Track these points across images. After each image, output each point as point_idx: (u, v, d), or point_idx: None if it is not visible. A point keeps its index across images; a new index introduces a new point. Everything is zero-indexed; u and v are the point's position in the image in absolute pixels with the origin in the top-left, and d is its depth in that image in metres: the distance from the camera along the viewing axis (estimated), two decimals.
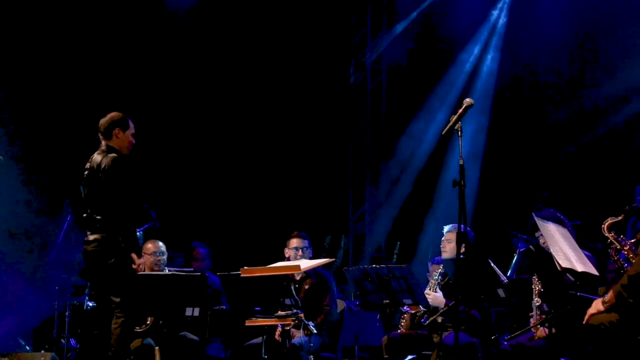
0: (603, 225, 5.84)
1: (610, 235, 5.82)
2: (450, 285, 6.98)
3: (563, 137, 9.86)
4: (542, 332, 6.47)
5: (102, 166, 6.46)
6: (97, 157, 6.57)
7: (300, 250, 7.49)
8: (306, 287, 7.38)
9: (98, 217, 6.44)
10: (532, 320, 6.56)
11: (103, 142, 6.64)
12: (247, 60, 10.80)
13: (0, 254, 8.90)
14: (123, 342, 6.37)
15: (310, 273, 7.41)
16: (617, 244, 5.82)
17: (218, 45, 10.76)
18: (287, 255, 7.52)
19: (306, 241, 7.56)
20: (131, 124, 6.71)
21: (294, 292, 6.58)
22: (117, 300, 6.39)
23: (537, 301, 6.56)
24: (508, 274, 7.56)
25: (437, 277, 7.04)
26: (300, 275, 7.38)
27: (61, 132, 9.90)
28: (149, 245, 7.64)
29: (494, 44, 10.89)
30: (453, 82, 10.99)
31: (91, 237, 6.46)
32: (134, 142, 6.71)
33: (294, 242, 7.54)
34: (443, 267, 7.06)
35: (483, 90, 10.76)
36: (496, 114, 10.53)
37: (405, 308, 7.12)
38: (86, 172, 6.58)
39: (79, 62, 10.18)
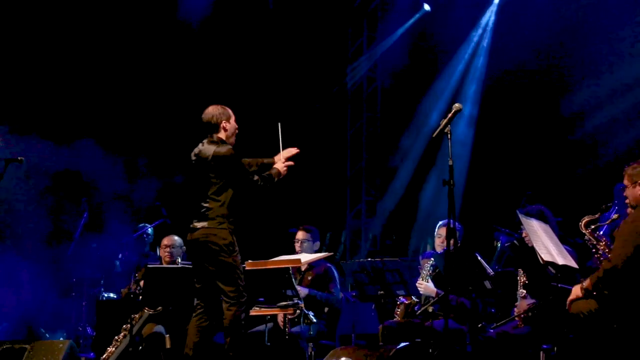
0: (580, 223, 6.08)
1: (587, 232, 6.06)
2: (441, 276, 7.15)
3: (547, 137, 9.97)
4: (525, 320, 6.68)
5: (216, 155, 6.26)
6: (207, 146, 6.32)
7: (299, 242, 7.62)
8: (309, 278, 7.54)
9: (206, 205, 6.27)
10: (516, 310, 6.78)
11: (214, 135, 6.38)
12: (253, 69, 10.94)
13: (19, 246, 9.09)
14: (238, 330, 6.21)
15: (313, 265, 7.58)
16: (593, 240, 6.05)
17: (228, 53, 10.85)
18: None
19: (309, 234, 7.64)
20: (230, 111, 6.46)
21: (294, 284, 6.86)
22: (229, 289, 6.19)
23: (521, 292, 6.78)
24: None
25: (428, 269, 7.24)
26: (305, 267, 7.57)
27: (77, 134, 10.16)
28: (164, 240, 7.75)
29: (484, 48, 11.03)
30: (444, 86, 11.13)
31: (198, 225, 6.25)
32: (237, 127, 6.49)
33: (297, 234, 7.69)
34: (433, 259, 7.24)
35: (471, 93, 10.89)
36: (482, 115, 10.66)
37: (400, 299, 7.24)
38: (193, 160, 6.37)
39: (82, 62, 10.35)
